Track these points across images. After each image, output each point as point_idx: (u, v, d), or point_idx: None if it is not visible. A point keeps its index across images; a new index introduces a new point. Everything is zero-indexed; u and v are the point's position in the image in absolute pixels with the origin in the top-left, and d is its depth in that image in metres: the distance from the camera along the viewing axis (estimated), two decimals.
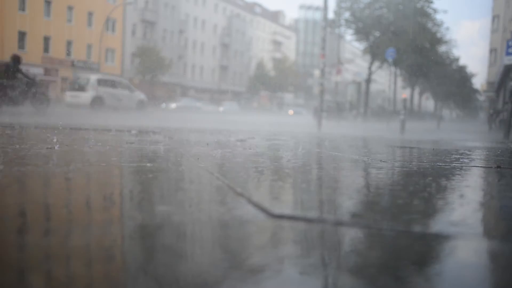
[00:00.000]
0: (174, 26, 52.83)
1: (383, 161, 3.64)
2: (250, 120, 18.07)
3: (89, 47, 42.83)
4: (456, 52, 71.21)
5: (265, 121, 16.99)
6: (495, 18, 39.36)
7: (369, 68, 35.94)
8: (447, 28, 76.57)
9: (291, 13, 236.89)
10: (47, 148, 3.55)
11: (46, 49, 39.22)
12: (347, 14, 34.89)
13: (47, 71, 38.27)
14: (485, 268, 1.20)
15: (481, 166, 3.66)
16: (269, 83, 59.21)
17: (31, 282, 0.97)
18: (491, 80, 39.63)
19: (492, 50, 39.11)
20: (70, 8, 41.17)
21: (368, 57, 37.68)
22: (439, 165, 3.49)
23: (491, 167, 3.51)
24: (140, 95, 20.08)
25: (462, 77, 54.52)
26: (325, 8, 13.32)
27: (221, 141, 5.30)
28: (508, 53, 17.12)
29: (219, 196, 1.97)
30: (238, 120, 17.15)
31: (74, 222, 1.49)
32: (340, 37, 38.52)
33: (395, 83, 39.61)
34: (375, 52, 34.08)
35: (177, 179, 2.43)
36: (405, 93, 35.28)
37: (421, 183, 2.49)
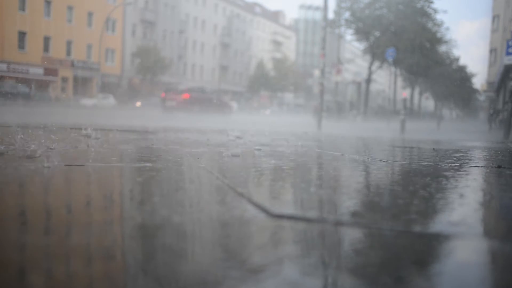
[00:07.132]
0: (174, 26, 52.83)
1: (383, 161, 3.64)
2: (251, 120, 18.07)
3: (89, 47, 42.84)
4: (456, 52, 71.21)
5: (265, 121, 16.99)
6: (495, 18, 39.37)
7: (369, 68, 35.96)
8: (447, 28, 76.44)
9: (291, 13, 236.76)
10: None
11: (46, 49, 39.23)
12: (347, 14, 34.94)
13: (47, 71, 38.27)
14: (485, 268, 1.20)
15: (481, 166, 3.65)
16: (269, 83, 59.21)
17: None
18: (491, 80, 39.62)
19: (492, 50, 39.12)
20: (70, 8, 41.18)
21: (368, 57, 37.70)
22: (439, 165, 3.49)
23: (491, 167, 3.51)
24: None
25: (462, 77, 54.49)
26: (325, 8, 13.32)
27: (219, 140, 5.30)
28: (508, 53, 17.13)
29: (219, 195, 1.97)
30: (239, 120, 17.15)
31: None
32: (340, 37, 38.52)
33: (395, 83, 39.65)
34: (375, 52, 34.13)
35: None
36: (405, 92, 35.32)
37: (421, 183, 2.49)
